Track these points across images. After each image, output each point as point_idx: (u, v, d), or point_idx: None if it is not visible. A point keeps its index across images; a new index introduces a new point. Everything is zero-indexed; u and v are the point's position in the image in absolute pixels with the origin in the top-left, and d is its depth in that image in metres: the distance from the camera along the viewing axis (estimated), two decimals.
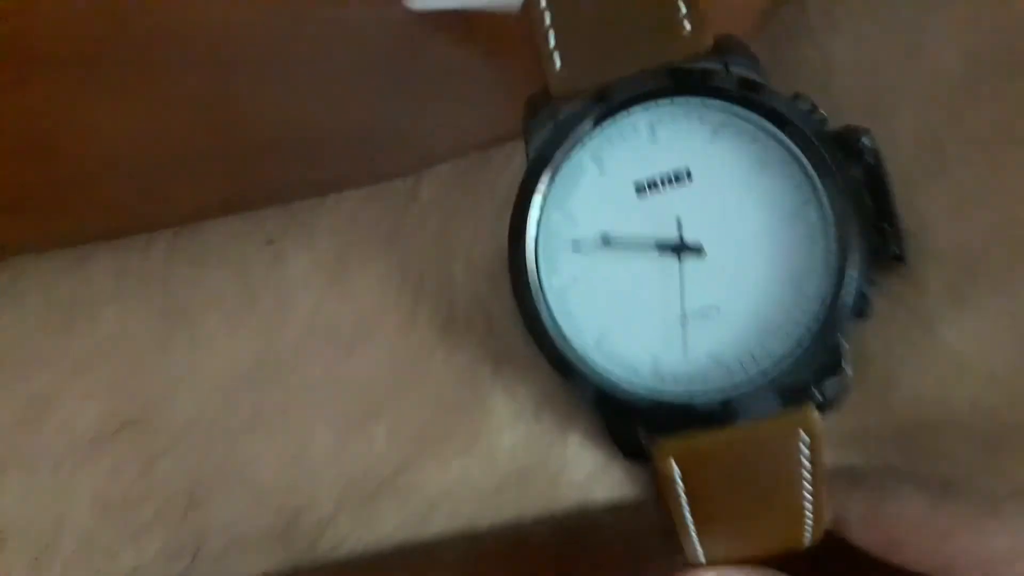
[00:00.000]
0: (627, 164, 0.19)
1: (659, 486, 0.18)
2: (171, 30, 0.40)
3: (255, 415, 0.19)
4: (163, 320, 0.20)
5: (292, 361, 0.20)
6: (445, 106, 0.40)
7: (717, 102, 0.18)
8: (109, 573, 0.20)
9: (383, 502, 0.19)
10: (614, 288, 0.18)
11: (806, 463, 0.18)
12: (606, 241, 0.19)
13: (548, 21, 0.19)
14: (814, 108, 0.18)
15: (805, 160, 0.18)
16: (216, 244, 0.21)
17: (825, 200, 0.18)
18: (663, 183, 0.18)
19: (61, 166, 0.40)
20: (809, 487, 0.18)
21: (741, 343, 0.18)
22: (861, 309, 0.17)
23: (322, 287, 0.20)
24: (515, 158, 0.20)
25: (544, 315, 0.18)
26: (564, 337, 0.18)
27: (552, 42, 0.19)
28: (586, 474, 0.19)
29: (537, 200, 0.18)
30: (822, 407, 0.18)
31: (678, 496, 0.18)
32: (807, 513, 0.19)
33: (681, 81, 0.18)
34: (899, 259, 0.17)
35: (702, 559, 0.20)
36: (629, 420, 0.18)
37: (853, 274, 0.17)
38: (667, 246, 0.18)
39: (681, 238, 0.18)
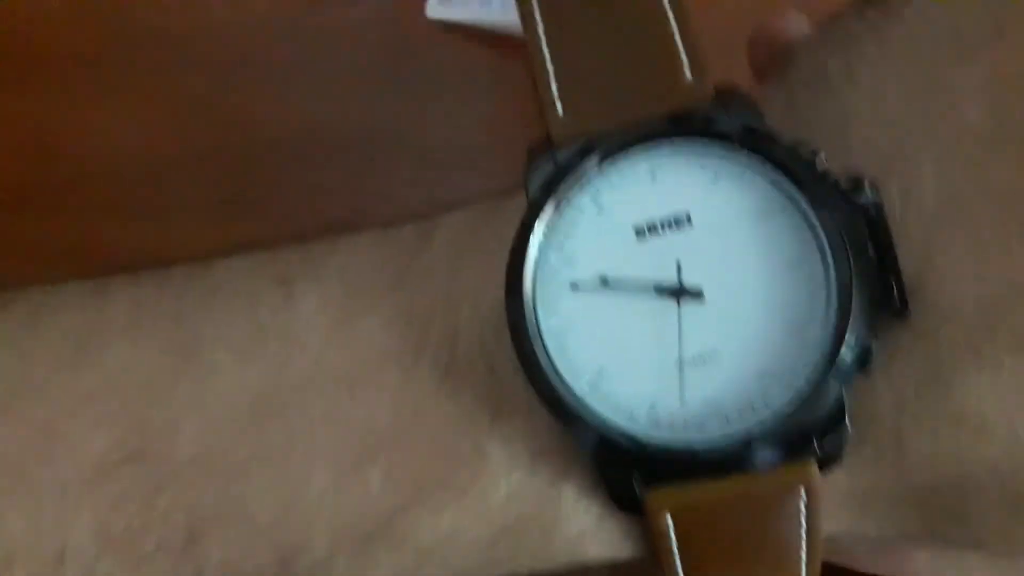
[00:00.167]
0: (627, 207, 0.18)
1: (653, 542, 0.18)
2: (171, 31, 0.40)
3: (256, 452, 0.20)
4: (173, 354, 0.20)
5: (295, 400, 0.20)
6: (445, 106, 0.40)
7: (718, 148, 0.18)
8: None
9: (377, 548, 0.19)
10: (612, 330, 0.18)
11: (804, 523, 0.18)
12: (604, 283, 0.18)
13: (551, 68, 0.19)
14: (816, 156, 0.18)
15: (807, 208, 0.18)
16: (229, 281, 0.21)
17: (827, 249, 0.18)
18: (663, 227, 0.18)
19: (61, 166, 0.40)
20: (806, 547, 0.18)
21: (740, 391, 0.18)
22: (863, 361, 0.17)
23: (329, 328, 0.20)
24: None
25: (541, 356, 0.18)
26: (561, 379, 0.18)
27: (555, 89, 0.19)
28: (580, 530, 0.19)
29: (535, 240, 0.18)
30: (822, 463, 0.18)
31: (672, 552, 0.18)
32: (803, 572, 0.19)
33: (682, 126, 0.18)
34: (902, 312, 0.17)
35: None
36: (624, 468, 0.18)
37: (855, 325, 0.17)
38: (666, 289, 0.18)
39: (680, 282, 0.18)
